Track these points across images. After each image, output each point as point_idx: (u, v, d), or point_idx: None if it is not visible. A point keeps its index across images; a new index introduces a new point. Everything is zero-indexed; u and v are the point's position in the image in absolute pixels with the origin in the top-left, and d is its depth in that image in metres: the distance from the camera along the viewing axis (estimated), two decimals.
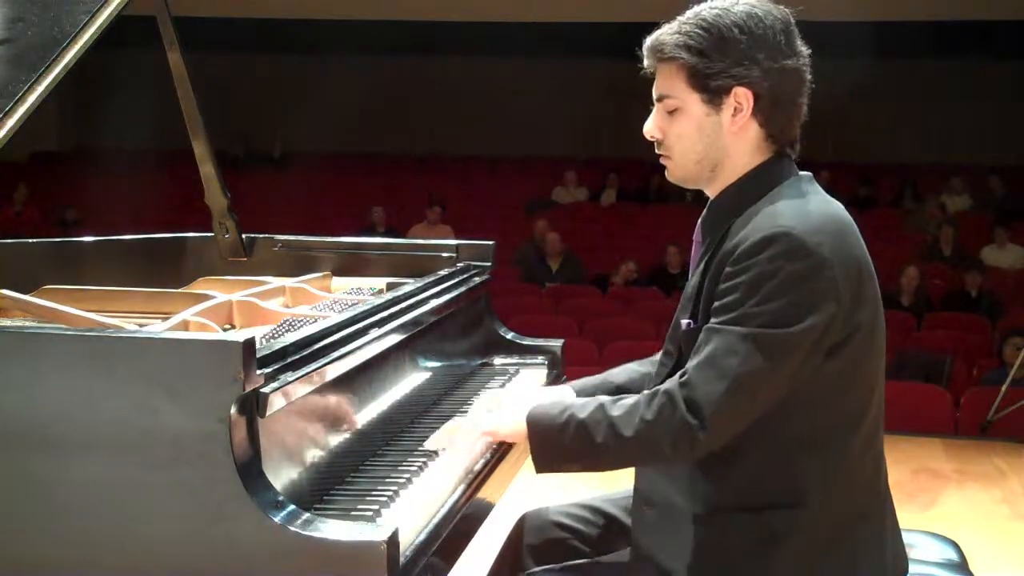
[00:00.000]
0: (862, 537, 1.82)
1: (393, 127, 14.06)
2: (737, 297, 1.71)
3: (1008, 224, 9.92)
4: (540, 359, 2.83)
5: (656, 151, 1.89)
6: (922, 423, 6.14)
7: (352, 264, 2.96)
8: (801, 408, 1.76)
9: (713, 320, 1.75)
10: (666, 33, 1.82)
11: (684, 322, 1.87)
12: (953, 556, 2.19)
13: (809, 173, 1.87)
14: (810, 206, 1.77)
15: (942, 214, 10.49)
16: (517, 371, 2.75)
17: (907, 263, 8.45)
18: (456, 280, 2.64)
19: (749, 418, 1.74)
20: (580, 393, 2.11)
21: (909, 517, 3.05)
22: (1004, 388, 6.22)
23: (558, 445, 1.82)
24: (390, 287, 2.71)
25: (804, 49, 1.83)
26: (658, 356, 2.04)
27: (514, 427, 1.91)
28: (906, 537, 2.02)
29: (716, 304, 1.75)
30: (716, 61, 1.77)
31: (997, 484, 5.34)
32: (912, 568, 1.99)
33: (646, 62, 1.87)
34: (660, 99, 1.85)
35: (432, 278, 2.59)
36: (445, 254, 2.87)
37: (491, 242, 2.91)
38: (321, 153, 13.17)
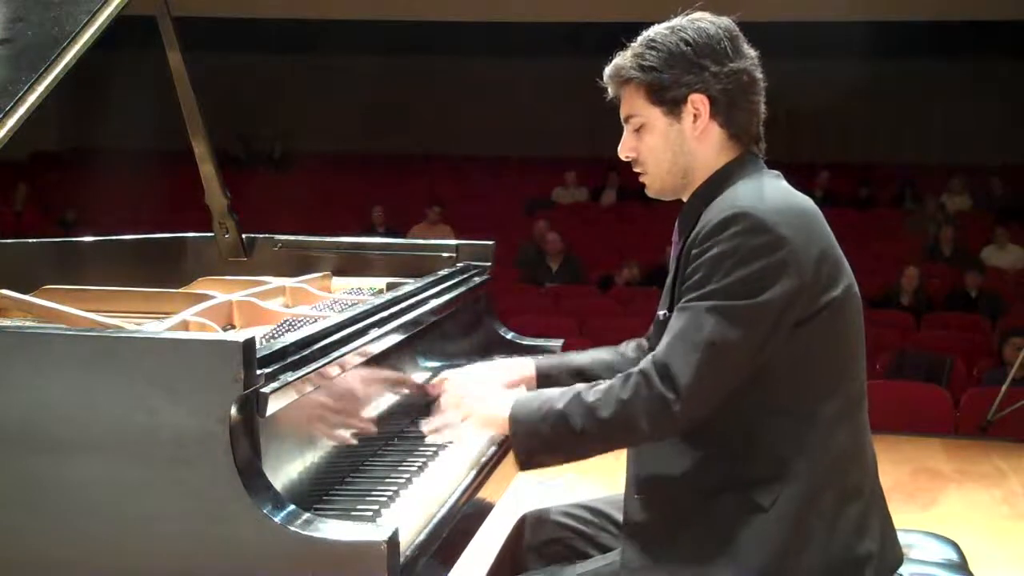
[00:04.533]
0: (851, 516, 1.83)
1: (393, 127, 14.04)
2: (702, 275, 1.80)
3: (1008, 224, 9.93)
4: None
5: (633, 169, 2.02)
6: (922, 423, 6.13)
7: (352, 264, 2.96)
8: (769, 382, 1.82)
9: (682, 300, 1.84)
10: (621, 59, 1.96)
11: (660, 313, 1.96)
12: (953, 556, 2.19)
13: (777, 172, 1.95)
14: (770, 191, 1.86)
15: (942, 214, 10.49)
16: None
17: (907, 263, 8.45)
18: (456, 280, 2.64)
19: (722, 390, 1.80)
20: (541, 368, 2.23)
21: (909, 517, 3.05)
22: (1004, 388, 6.20)
23: (539, 436, 1.87)
24: (390, 287, 2.71)
25: (751, 51, 1.94)
26: (623, 346, 2.30)
27: (494, 421, 1.95)
28: (906, 537, 2.02)
29: (685, 286, 1.84)
30: (668, 74, 1.90)
31: (997, 484, 5.33)
32: (912, 568, 1.99)
33: (610, 89, 1.99)
34: (627, 119, 1.98)
35: (432, 278, 2.59)
36: (445, 254, 2.88)
37: (491, 242, 2.91)
38: (321, 153, 13.15)
